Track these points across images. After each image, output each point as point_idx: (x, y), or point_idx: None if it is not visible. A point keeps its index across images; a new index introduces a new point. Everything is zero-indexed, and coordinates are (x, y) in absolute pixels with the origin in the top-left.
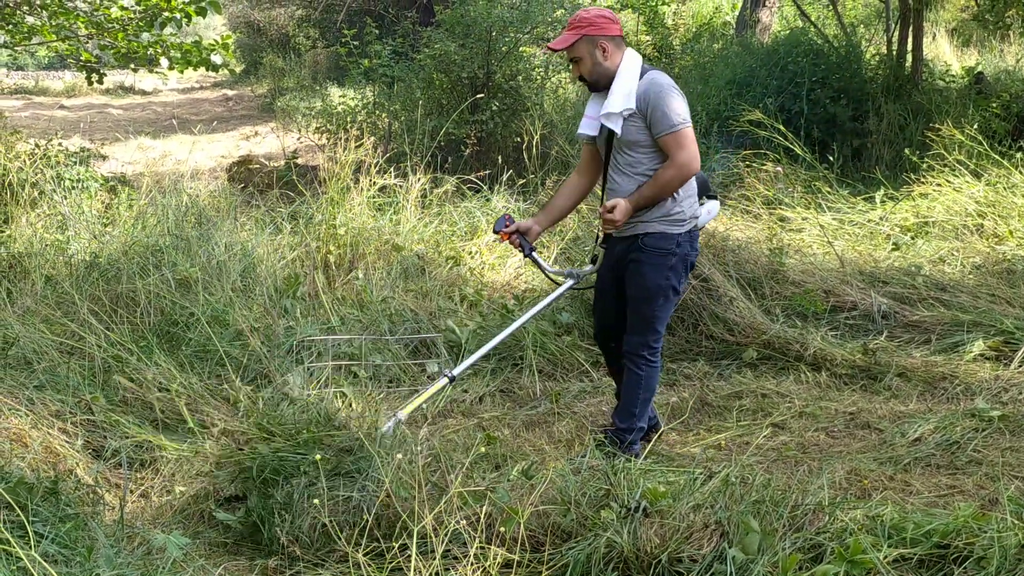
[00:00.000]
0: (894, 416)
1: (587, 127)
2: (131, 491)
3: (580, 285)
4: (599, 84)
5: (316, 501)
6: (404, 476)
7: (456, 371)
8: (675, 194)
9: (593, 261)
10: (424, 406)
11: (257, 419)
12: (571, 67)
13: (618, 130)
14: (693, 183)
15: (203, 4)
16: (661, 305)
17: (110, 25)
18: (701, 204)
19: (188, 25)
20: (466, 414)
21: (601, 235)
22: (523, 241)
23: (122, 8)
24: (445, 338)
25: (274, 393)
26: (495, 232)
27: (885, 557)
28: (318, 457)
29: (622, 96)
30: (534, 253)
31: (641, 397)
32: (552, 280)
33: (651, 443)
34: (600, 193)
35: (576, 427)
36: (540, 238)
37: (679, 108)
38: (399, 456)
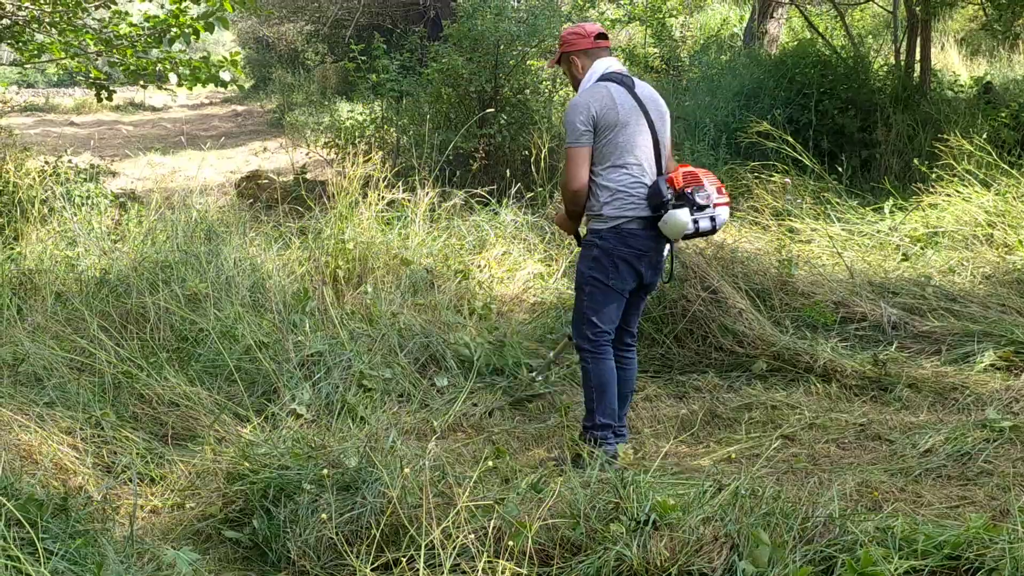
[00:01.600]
0: (905, 427)
1: None
2: (141, 507)
3: None
4: None
5: (324, 515)
6: (411, 489)
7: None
8: (595, 194)
9: None
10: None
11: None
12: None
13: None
14: (626, 186)
15: (211, 19)
16: (589, 295)
17: (119, 42)
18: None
19: (196, 41)
20: (475, 428)
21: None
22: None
23: (131, 24)
24: (454, 352)
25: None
26: None
27: (896, 569)
28: (324, 472)
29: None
30: None
31: (595, 391)
32: None
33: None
34: None
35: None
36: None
37: (570, 128)
38: (406, 470)
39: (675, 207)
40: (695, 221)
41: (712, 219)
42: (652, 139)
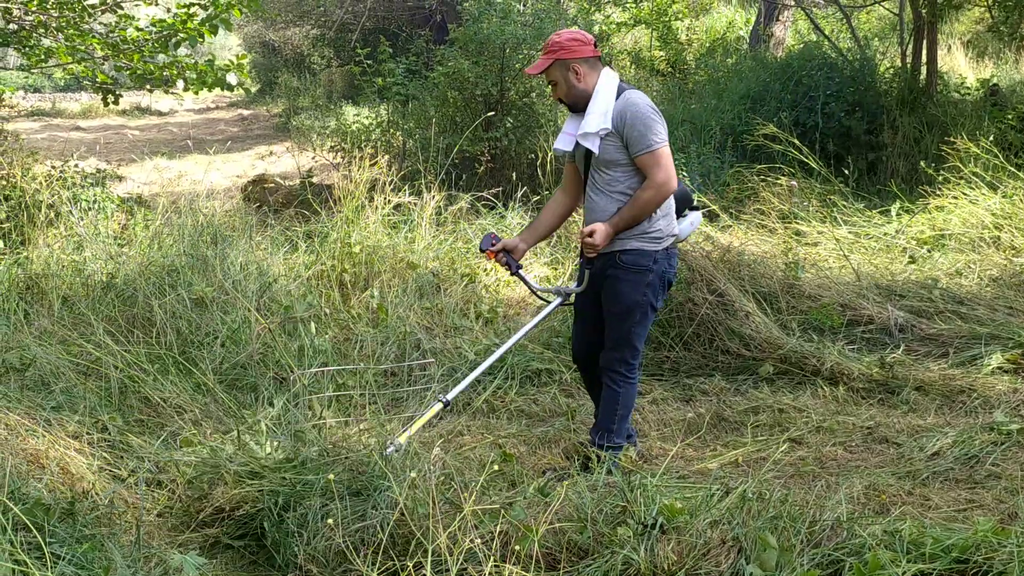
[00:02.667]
0: (912, 430)
1: (562, 142)
2: (147, 511)
3: (568, 302)
4: (577, 105)
5: (330, 521)
6: (418, 494)
7: (450, 395)
8: (652, 212)
9: (580, 279)
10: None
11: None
12: (550, 89)
13: (595, 149)
14: (671, 201)
15: (215, 22)
16: (638, 321)
17: (126, 46)
18: (684, 217)
19: (201, 44)
20: (482, 431)
21: (580, 253)
22: (509, 259)
23: (138, 29)
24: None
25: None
26: (481, 251)
27: (904, 573)
28: (331, 477)
29: (599, 116)
30: (520, 271)
31: (619, 414)
32: (540, 298)
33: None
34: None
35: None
36: (525, 256)
37: (656, 128)
38: (413, 475)
39: (691, 209)
40: None
41: None
42: None
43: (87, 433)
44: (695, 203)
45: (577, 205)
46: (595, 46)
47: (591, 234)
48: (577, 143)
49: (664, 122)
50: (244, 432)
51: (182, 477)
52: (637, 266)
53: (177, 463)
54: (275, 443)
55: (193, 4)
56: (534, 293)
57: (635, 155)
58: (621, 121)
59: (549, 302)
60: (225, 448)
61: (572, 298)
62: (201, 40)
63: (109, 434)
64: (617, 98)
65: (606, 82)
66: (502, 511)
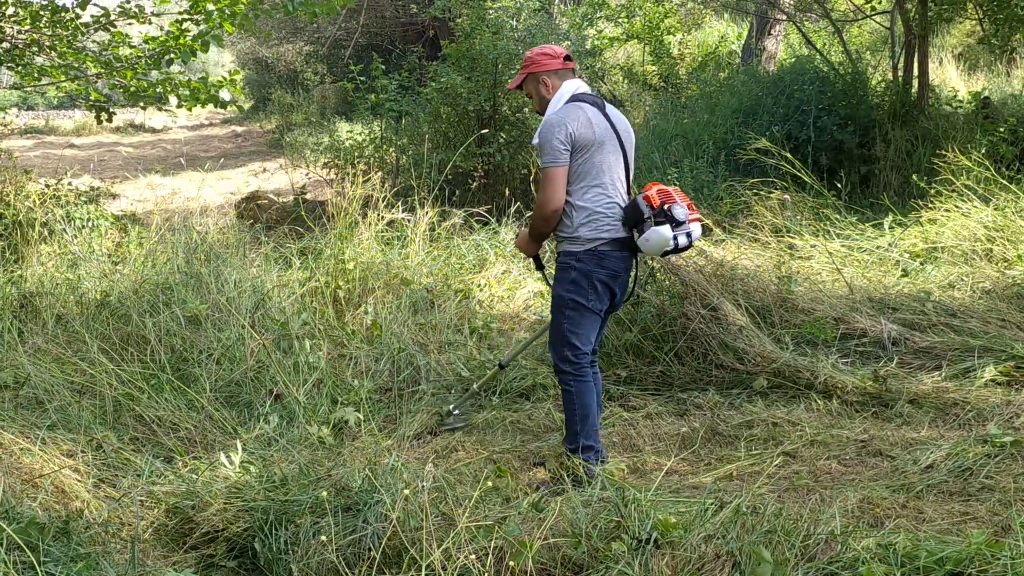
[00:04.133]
0: (906, 443)
1: None
2: (142, 530)
3: None
4: None
5: (324, 538)
6: (410, 507)
7: (505, 360)
8: (569, 215)
9: None
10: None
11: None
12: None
13: (539, 160)
14: (597, 209)
15: (207, 38)
16: (568, 317)
17: (119, 64)
18: (639, 232)
19: (194, 60)
20: (476, 446)
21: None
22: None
23: (131, 46)
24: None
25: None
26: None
27: None
28: (324, 494)
29: (539, 128)
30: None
31: (578, 414)
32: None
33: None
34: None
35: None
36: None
37: (547, 148)
38: (406, 491)
39: (657, 224)
40: (674, 237)
41: (688, 235)
42: (623, 161)
43: (81, 451)
44: (645, 220)
45: None
46: (566, 59)
47: (516, 237)
48: None
49: (579, 142)
50: (225, 453)
51: (163, 505)
52: (562, 264)
53: (157, 493)
54: (254, 464)
55: (185, 20)
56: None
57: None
58: (539, 136)
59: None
60: (202, 473)
61: None
62: (194, 56)
63: (103, 452)
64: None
65: (557, 96)
66: (496, 526)
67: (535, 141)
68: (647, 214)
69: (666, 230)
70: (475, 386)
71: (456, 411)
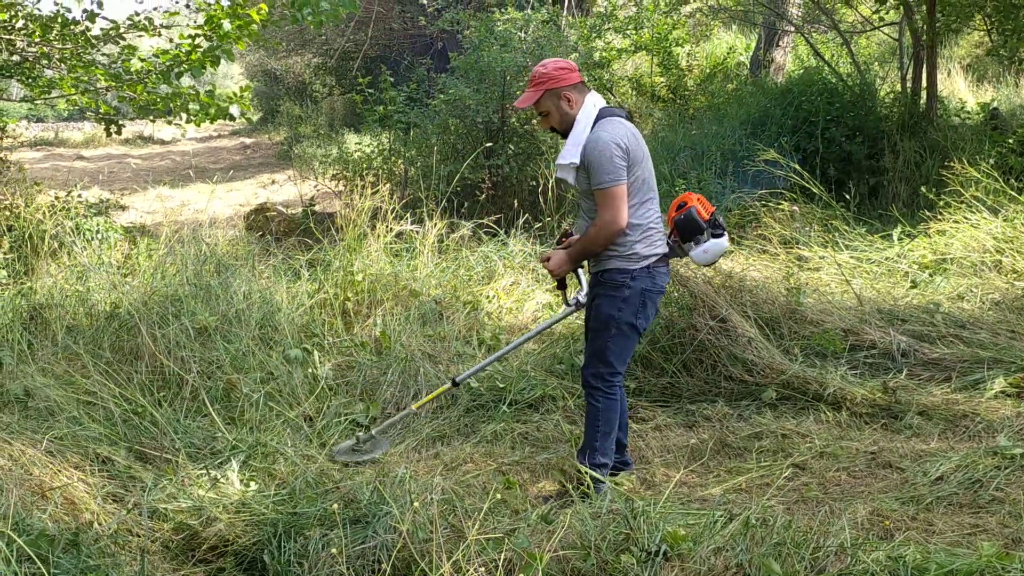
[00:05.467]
0: (915, 455)
1: (559, 170)
2: (151, 542)
3: (569, 311)
4: (568, 132)
5: (335, 550)
6: (419, 519)
7: (460, 377)
8: (627, 233)
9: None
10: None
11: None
12: (539, 120)
13: (571, 180)
14: (651, 225)
15: (217, 53)
16: (614, 337)
17: (129, 77)
18: (696, 244)
19: (204, 74)
20: (485, 458)
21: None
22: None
23: (141, 59)
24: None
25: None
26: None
27: None
28: (335, 507)
29: (572, 147)
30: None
31: (600, 430)
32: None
33: (622, 482)
34: None
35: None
36: None
37: (608, 167)
38: (416, 503)
39: (715, 235)
40: None
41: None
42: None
43: (90, 463)
44: (704, 230)
45: None
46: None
47: (547, 260)
48: None
49: (632, 157)
50: (227, 468)
51: (170, 522)
52: (615, 282)
53: (164, 510)
54: (255, 480)
55: (198, 35)
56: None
57: (590, 189)
58: (585, 157)
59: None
60: (206, 490)
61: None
62: (203, 71)
63: (112, 464)
64: (594, 128)
65: (585, 113)
66: (505, 539)
67: (572, 161)
68: (704, 225)
69: (724, 240)
70: (413, 406)
71: (375, 436)
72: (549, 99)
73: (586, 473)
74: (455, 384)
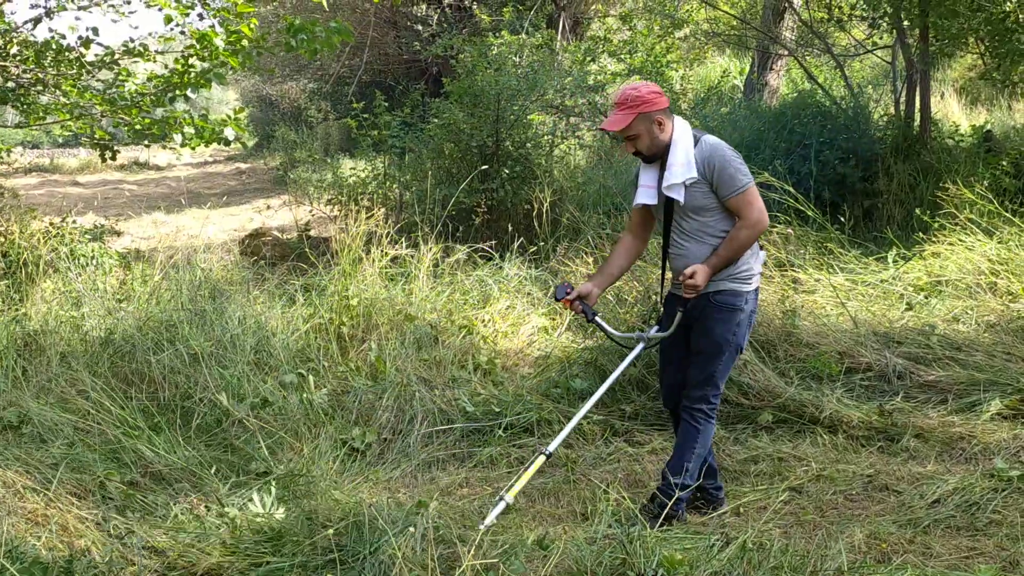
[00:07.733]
0: (912, 478)
1: (645, 196)
2: (145, 569)
3: (649, 345)
4: (656, 156)
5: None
6: (415, 547)
7: (551, 447)
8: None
9: (659, 323)
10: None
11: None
12: (624, 143)
13: (681, 199)
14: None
15: (209, 75)
16: (725, 361)
17: (123, 102)
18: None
19: (196, 97)
20: (481, 483)
21: (661, 297)
22: (585, 306)
23: (135, 83)
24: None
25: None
26: (556, 300)
27: None
28: (330, 532)
29: (682, 166)
30: (597, 317)
31: (696, 452)
32: (619, 344)
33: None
34: (661, 258)
35: (591, 495)
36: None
37: (743, 169)
38: (411, 529)
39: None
40: None
41: None
42: None
43: (85, 491)
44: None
45: (645, 248)
46: None
47: (692, 275)
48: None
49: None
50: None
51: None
52: (730, 306)
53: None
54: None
55: (191, 56)
56: (613, 339)
57: (726, 198)
58: (708, 168)
59: (627, 347)
60: (192, 526)
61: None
62: (196, 92)
63: (107, 491)
64: (695, 144)
65: (681, 131)
66: (501, 565)
67: (690, 176)
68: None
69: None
70: (508, 495)
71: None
72: (642, 122)
73: (665, 499)
74: (548, 456)
